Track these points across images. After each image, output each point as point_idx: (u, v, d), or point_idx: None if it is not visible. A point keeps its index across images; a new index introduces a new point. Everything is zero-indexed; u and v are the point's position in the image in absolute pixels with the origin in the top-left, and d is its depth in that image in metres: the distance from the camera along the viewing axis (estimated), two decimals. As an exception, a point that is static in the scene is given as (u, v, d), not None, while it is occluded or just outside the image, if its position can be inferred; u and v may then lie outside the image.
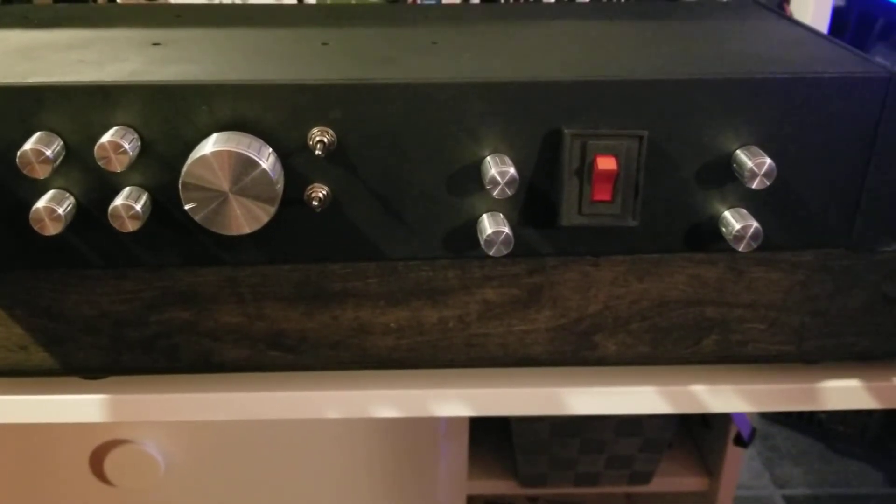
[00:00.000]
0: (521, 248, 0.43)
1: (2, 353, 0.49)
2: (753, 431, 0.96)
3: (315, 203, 0.41)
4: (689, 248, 0.45)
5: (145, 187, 0.41)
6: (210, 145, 0.39)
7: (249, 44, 0.48)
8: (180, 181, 0.39)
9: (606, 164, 0.41)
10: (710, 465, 1.11)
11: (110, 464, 0.91)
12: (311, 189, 0.42)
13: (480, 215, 0.43)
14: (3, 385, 0.52)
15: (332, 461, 0.94)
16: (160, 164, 0.41)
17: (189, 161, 0.39)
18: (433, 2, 0.83)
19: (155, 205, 0.41)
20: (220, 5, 0.60)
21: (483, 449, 1.14)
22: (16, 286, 0.47)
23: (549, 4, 0.66)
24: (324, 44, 0.47)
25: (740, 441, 0.98)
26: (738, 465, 1.05)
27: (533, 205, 0.43)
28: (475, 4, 0.67)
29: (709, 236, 0.44)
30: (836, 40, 0.50)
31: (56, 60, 0.44)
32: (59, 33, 0.49)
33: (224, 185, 0.39)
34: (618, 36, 0.52)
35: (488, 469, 1.13)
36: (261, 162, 0.38)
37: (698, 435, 1.17)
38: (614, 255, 0.46)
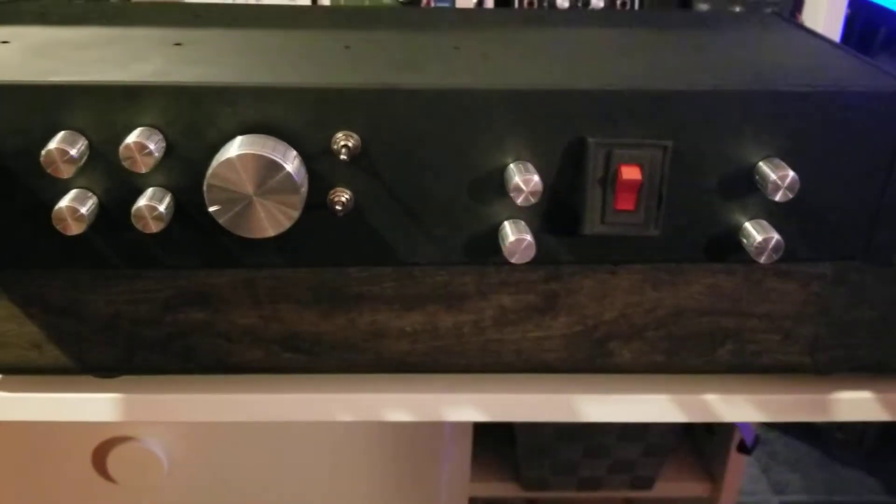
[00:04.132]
0: (540, 255, 0.43)
1: (15, 350, 0.49)
2: (757, 438, 0.97)
3: (338, 207, 0.41)
4: (709, 259, 0.45)
5: (168, 188, 0.41)
6: (235, 148, 0.39)
7: (271, 45, 0.48)
8: (205, 183, 0.39)
9: (631, 173, 0.41)
10: (712, 471, 1.12)
11: (113, 461, 0.91)
12: (333, 193, 0.42)
13: (502, 222, 0.43)
14: (16, 383, 0.52)
15: (335, 461, 0.94)
16: (183, 166, 0.41)
17: (214, 163, 0.38)
18: (447, 4, 0.83)
19: (177, 206, 0.41)
20: (237, 6, 0.60)
21: (486, 452, 1.14)
22: (30, 284, 0.47)
23: (567, 11, 0.66)
24: (346, 47, 0.47)
25: (744, 448, 0.98)
26: (741, 471, 1.05)
27: (554, 212, 0.43)
28: (493, 9, 0.67)
29: (728, 247, 0.44)
30: (857, 53, 0.50)
31: (77, 59, 0.44)
32: (79, 31, 0.49)
33: (249, 188, 0.38)
34: (638, 44, 0.52)
35: (491, 472, 1.14)
36: (286, 165, 0.38)
37: (701, 441, 1.17)
38: (633, 263, 0.46)
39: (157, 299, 0.47)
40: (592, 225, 0.42)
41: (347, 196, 0.42)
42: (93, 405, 0.52)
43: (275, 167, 0.38)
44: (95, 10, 0.56)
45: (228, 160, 0.38)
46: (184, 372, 0.50)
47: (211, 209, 0.39)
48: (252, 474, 0.94)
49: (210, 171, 0.38)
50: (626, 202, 0.41)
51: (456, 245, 0.44)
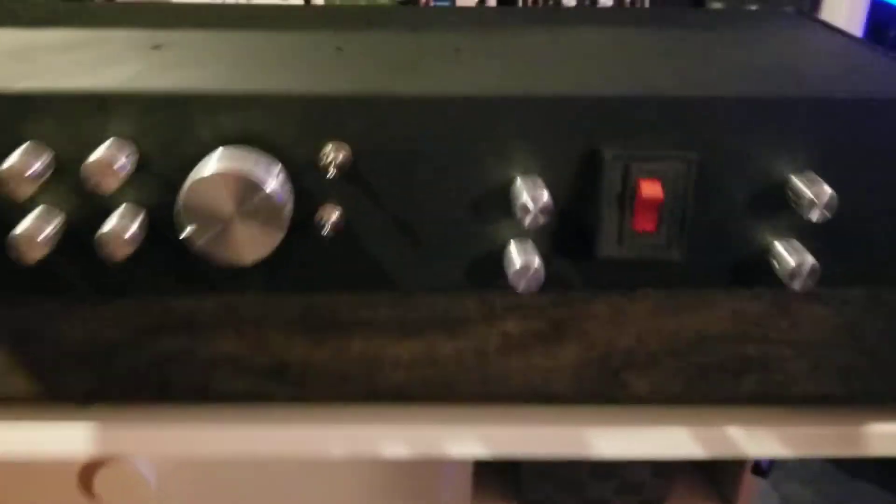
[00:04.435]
0: (549, 278, 0.39)
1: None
2: (773, 461, 0.92)
3: (326, 226, 0.37)
4: (735, 283, 0.41)
5: (141, 205, 0.37)
6: (213, 163, 0.35)
7: (259, 48, 0.44)
8: (179, 203, 0.35)
9: (651, 190, 0.37)
10: (725, 494, 1.07)
11: (99, 482, 0.87)
12: (322, 211, 0.38)
13: (507, 243, 0.39)
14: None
15: (331, 480, 0.90)
16: (158, 181, 0.37)
17: (189, 182, 0.35)
18: (447, 3, 0.79)
19: (151, 225, 0.37)
20: (227, 6, 0.56)
21: (487, 471, 1.10)
22: (-4, 308, 0.43)
23: (573, 9, 0.62)
24: (338, 49, 0.44)
25: (759, 471, 0.94)
26: (754, 493, 1.01)
27: (565, 232, 0.39)
28: (495, 8, 0.63)
29: (756, 270, 0.40)
30: (891, 53, 0.46)
31: (48, 63, 0.40)
32: (53, 33, 0.45)
33: (227, 208, 0.35)
34: (653, 45, 0.48)
35: (492, 492, 1.09)
36: (268, 184, 0.34)
37: (714, 461, 1.13)
38: (651, 288, 0.42)
39: (135, 325, 0.43)
40: (608, 247, 0.38)
41: (337, 214, 0.38)
42: (67, 437, 0.48)
43: (256, 186, 0.34)
44: (71, 10, 0.52)
45: (204, 179, 0.34)
46: (163, 402, 0.46)
47: (185, 233, 0.35)
48: (242, 495, 0.91)
49: (184, 189, 0.35)
50: (646, 222, 0.37)
51: (456, 268, 0.40)
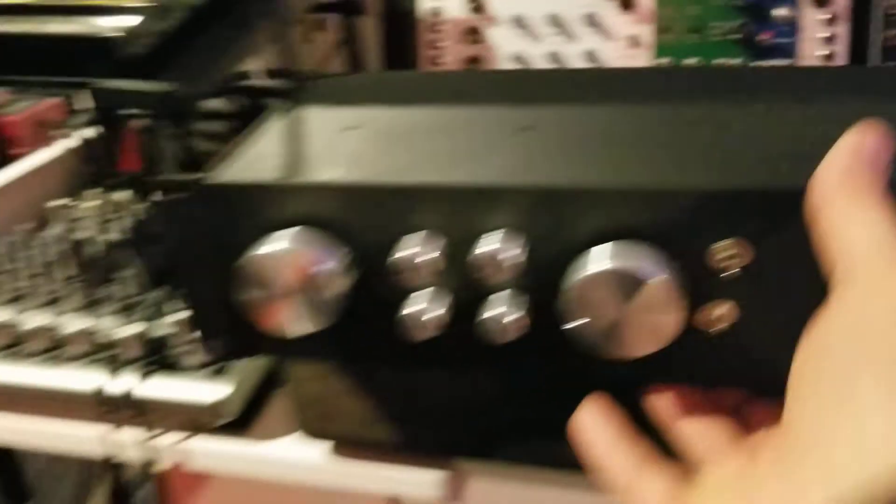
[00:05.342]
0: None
1: (347, 424, 0.50)
2: None
3: (714, 327, 0.36)
4: None
5: (522, 293, 0.37)
6: (603, 258, 0.35)
7: (634, 127, 0.43)
8: (566, 297, 0.35)
9: None
10: None
11: None
12: (707, 309, 0.36)
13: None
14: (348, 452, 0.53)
15: None
16: (538, 273, 0.37)
17: (578, 276, 0.35)
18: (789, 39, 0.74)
19: (536, 313, 0.37)
20: (588, 71, 0.55)
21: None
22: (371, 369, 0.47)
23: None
24: (721, 128, 0.41)
25: None
26: None
27: None
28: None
29: None
30: None
31: (427, 151, 0.42)
32: (419, 113, 0.47)
33: (618, 305, 0.35)
34: None
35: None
36: (659, 280, 0.34)
37: None
38: None
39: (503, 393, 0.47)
40: None
41: (727, 312, 0.36)
42: (422, 481, 0.51)
43: (648, 282, 0.34)
44: (431, 83, 0.54)
45: (594, 275, 0.34)
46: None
47: (569, 325, 0.35)
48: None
49: (570, 285, 0.35)
50: None
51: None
